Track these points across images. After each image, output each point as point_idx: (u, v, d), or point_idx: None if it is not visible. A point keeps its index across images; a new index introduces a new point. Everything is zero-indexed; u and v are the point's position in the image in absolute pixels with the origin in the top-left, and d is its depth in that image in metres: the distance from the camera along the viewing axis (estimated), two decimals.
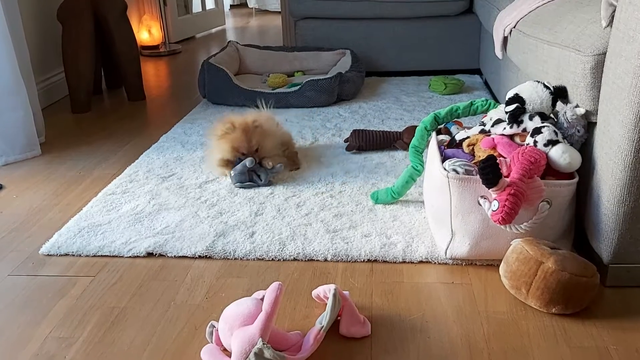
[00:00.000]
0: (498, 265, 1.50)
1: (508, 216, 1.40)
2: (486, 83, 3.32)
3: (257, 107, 2.46)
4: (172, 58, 4.70)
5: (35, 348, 1.33)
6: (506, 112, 1.58)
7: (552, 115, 1.58)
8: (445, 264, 1.60)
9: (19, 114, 2.40)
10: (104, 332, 1.37)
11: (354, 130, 2.39)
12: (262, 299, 1.28)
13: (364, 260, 1.63)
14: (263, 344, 1.17)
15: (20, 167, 2.38)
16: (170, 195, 2.05)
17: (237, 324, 1.24)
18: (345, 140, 2.42)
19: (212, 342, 1.30)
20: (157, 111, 3.18)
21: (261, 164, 2.10)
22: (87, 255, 1.70)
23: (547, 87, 1.58)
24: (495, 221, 1.43)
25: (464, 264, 1.59)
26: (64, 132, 2.82)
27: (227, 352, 1.26)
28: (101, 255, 1.69)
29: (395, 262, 1.62)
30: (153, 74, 4.15)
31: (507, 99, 1.62)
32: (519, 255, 1.39)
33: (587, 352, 1.25)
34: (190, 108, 3.13)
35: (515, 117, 1.55)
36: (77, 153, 2.52)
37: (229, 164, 2.14)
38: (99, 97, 3.43)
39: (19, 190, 2.17)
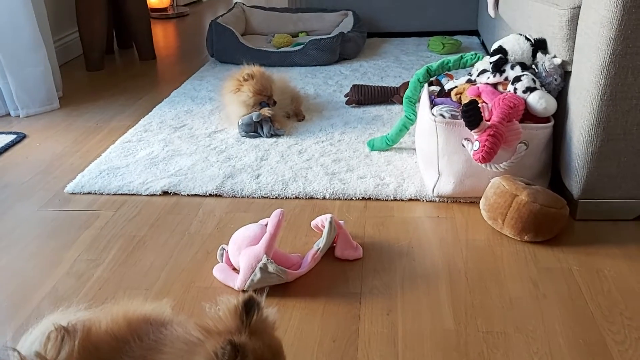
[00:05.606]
0: (479, 202, 1.65)
1: (488, 155, 1.56)
2: (483, 44, 3.43)
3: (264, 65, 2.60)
4: (180, 20, 4.82)
5: (66, 267, 1.51)
6: (490, 63, 1.72)
7: (533, 66, 1.72)
8: (432, 201, 1.76)
9: (39, 69, 2.55)
10: (127, 256, 1.55)
11: (354, 85, 2.53)
12: (266, 225, 1.45)
13: (358, 198, 1.79)
14: (267, 259, 1.34)
15: (41, 119, 2.55)
16: (182, 143, 2.21)
17: (244, 245, 1.41)
18: (346, 95, 2.56)
19: (222, 262, 1.48)
20: (167, 70, 3.33)
21: (272, 122, 2.25)
22: (108, 194, 1.87)
23: (528, 40, 1.71)
24: (476, 160, 1.59)
25: (449, 201, 1.75)
26: (79, 88, 2.97)
27: (236, 270, 1.44)
28: (121, 194, 1.87)
29: (387, 200, 1.78)
30: (162, 35, 4.28)
31: (491, 51, 1.76)
32: (496, 189, 1.56)
33: (552, 272, 1.42)
34: (198, 66, 3.27)
35: (498, 67, 1.70)
36: (93, 106, 2.68)
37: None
38: (111, 57, 3.57)
39: (41, 138, 2.34)
